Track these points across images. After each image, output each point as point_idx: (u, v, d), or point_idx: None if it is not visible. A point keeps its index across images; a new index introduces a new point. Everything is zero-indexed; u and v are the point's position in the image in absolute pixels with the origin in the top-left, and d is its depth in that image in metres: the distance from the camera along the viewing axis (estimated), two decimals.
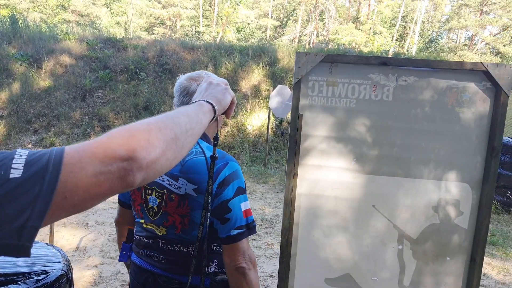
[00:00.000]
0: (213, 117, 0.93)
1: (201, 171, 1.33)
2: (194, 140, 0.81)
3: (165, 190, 1.38)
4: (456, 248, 1.75)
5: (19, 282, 1.50)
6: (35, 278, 1.55)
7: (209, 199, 1.23)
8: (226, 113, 1.07)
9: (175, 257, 1.39)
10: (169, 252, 1.40)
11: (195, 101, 0.94)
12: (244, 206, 1.33)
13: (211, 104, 0.93)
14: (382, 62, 1.69)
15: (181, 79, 1.48)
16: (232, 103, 1.07)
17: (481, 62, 1.67)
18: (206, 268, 1.38)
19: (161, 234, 1.41)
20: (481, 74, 1.69)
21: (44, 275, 1.59)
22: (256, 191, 7.13)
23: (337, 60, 1.69)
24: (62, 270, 1.67)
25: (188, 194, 1.34)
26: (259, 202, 6.43)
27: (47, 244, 1.93)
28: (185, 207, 1.35)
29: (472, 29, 29.48)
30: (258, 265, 3.97)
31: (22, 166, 0.56)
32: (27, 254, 0.57)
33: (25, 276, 1.56)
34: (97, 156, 0.60)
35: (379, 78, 1.70)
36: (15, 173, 0.55)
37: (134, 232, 1.54)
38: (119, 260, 1.55)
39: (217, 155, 1.24)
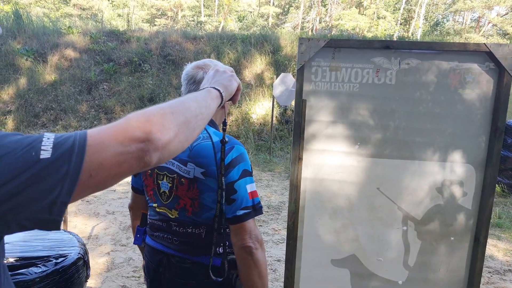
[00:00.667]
0: (221, 103, 0.98)
1: (208, 155, 1.37)
2: (204, 124, 0.86)
3: (175, 175, 1.43)
4: (460, 228, 1.78)
5: (39, 265, 1.57)
6: (54, 261, 1.62)
7: (223, 179, 1.29)
8: (233, 99, 1.12)
9: (187, 238, 1.44)
10: (181, 234, 1.45)
11: (203, 88, 0.98)
12: (250, 187, 1.37)
13: (218, 90, 0.98)
14: (385, 46, 1.70)
15: (188, 67, 1.52)
16: (238, 89, 1.11)
17: (484, 43, 1.68)
18: (218, 249, 1.43)
19: (173, 217, 1.47)
20: (484, 55, 1.70)
21: (62, 258, 1.66)
22: (262, 179, 7.19)
23: (339, 45, 1.71)
24: (79, 253, 1.74)
25: (196, 177, 1.39)
26: (265, 190, 6.48)
27: (63, 230, 2.00)
28: (195, 190, 1.40)
29: (478, 11, 29.05)
30: (265, 250, 4.03)
31: (51, 148, 0.61)
32: (57, 227, 0.63)
33: (44, 259, 1.63)
34: (117, 138, 0.65)
35: (381, 62, 1.72)
36: (45, 154, 0.60)
37: (148, 216, 1.61)
38: (134, 243, 1.62)
39: (226, 139, 1.28)
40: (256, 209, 1.37)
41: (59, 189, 0.60)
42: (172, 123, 0.73)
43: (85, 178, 0.62)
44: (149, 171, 1.51)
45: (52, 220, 0.61)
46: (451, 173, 1.76)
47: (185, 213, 1.44)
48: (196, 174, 1.39)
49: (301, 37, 1.70)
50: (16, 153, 0.59)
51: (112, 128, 0.67)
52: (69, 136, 0.64)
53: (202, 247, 1.43)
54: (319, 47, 1.69)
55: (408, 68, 1.72)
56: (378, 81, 1.73)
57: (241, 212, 1.34)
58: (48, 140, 0.62)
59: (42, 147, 0.60)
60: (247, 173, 1.38)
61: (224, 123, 1.26)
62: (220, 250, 1.45)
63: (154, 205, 1.53)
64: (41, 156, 0.59)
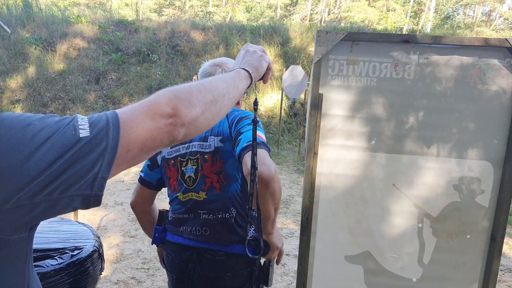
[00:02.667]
0: (250, 84, 0.99)
1: (221, 124, 1.46)
2: (231, 103, 0.89)
3: (198, 155, 1.48)
4: (476, 226, 1.76)
5: (55, 257, 1.57)
6: (70, 253, 1.62)
7: (255, 158, 1.19)
8: (263, 78, 1.11)
9: (218, 225, 1.45)
10: (211, 222, 1.45)
11: (233, 69, 1.00)
12: (258, 132, 1.30)
13: (248, 71, 0.99)
14: (404, 40, 1.67)
15: (205, 65, 1.53)
16: (268, 69, 1.10)
17: (506, 38, 1.64)
18: (250, 230, 1.45)
19: (201, 199, 1.48)
20: (505, 50, 1.66)
21: (78, 251, 1.67)
22: None
23: (358, 38, 1.68)
24: (94, 246, 1.74)
25: (217, 148, 1.45)
26: None
27: (77, 222, 2.00)
28: (218, 162, 1.44)
29: (489, 4, 28.60)
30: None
31: (88, 126, 0.64)
32: (99, 203, 0.66)
33: (60, 251, 1.63)
34: (149, 113, 0.69)
35: (400, 56, 1.68)
36: (84, 132, 0.63)
37: (170, 212, 1.59)
38: (152, 243, 1.61)
39: (258, 119, 1.24)
40: (263, 143, 1.35)
41: (99, 164, 0.63)
42: (199, 101, 0.76)
43: (124, 152, 0.65)
44: (172, 161, 1.52)
45: (94, 195, 0.64)
46: (468, 170, 1.73)
47: (213, 191, 1.46)
48: (216, 145, 1.45)
49: (319, 30, 1.67)
50: (59, 133, 0.61)
51: (143, 104, 0.71)
52: (101, 116, 0.67)
53: (235, 232, 1.44)
54: (337, 41, 1.66)
55: (427, 62, 1.69)
56: (396, 76, 1.70)
57: (246, 143, 1.34)
58: (82, 120, 0.65)
59: (80, 126, 0.63)
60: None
61: (255, 103, 1.25)
62: (252, 232, 1.47)
63: (178, 194, 1.53)
64: (81, 135, 0.62)
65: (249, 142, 1.32)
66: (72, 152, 0.60)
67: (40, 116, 0.64)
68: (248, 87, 0.99)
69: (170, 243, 1.55)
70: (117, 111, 0.69)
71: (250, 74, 0.98)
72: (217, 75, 0.92)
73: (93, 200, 0.64)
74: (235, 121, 1.45)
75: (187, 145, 1.51)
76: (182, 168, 1.51)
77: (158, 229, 1.60)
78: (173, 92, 0.74)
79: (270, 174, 1.27)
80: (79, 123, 0.64)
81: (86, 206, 0.65)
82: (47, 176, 0.59)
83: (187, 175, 1.50)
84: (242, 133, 1.39)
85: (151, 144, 0.69)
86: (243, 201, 1.46)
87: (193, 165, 1.49)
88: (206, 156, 1.47)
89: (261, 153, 1.31)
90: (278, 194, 1.33)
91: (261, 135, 1.39)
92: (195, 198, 1.48)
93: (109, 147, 0.63)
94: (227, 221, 1.44)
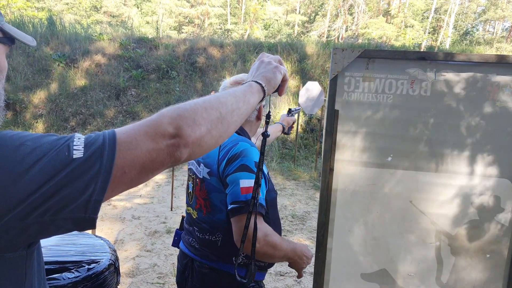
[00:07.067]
0: (263, 97, 0.94)
1: (212, 155, 1.42)
2: (241, 119, 0.84)
3: (195, 175, 1.52)
4: (496, 245, 1.72)
5: (72, 270, 1.60)
6: (87, 266, 1.64)
7: (260, 173, 1.18)
8: (279, 90, 1.06)
9: (205, 245, 1.48)
10: (201, 240, 1.50)
11: (246, 82, 0.95)
12: (244, 183, 1.31)
13: (260, 84, 0.94)
14: (421, 57, 1.67)
15: (226, 82, 1.55)
16: (284, 80, 1.05)
17: None
18: (234, 258, 1.43)
19: (195, 217, 1.53)
20: None
21: (94, 264, 1.69)
22: (286, 187, 7.15)
23: (374, 56, 1.69)
24: (110, 260, 1.76)
25: (204, 177, 1.45)
26: (289, 199, 6.44)
27: (94, 235, 2.04)
28: (204, 190, 1.45)
29: (510, 20, 28.26)
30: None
31: (82, 147, 0.62)
32: (93, 226, 0.64)
33: (76, 264, 1.66)
34: (149, 134, 0.66)
35: (417, 73, 1.69)
36: (78, 154, 0.61)
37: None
38: (172, 245, 1.69)
39: (268, 132, 1.20)
40: (248, 204, 1.27)
41: (93, 186, 0.60)
42: (204, 119, 0.73)
43: (119, 174, 0.63)
44: (189, 174, 1.59)
45: (87, 218, 0.62)
46: (487, 188, 1.71)
47: (201, 214, 1.49)
48: (204, 175, 1.45)
49: (335, 47, 1.69)
50: (52, 154, 0.59)
51: (145, 124, 0.68)
52: (98, 135, 0.65)
53: (218, 254, 1.45)
54: (353, 58, 1.68)
55: (444, 79, 1.69)
56: (412, 92, 1.70)
57: (230, 206, 1.31)
58: (79, 140, 0.63)
59: (74, 147, 0.61)
60: (245, 168, 1.33)
61: (268, 116, 1.22)
62: (236, 260, 1.44)
63: (186, 206, 1.62)
64: (74, 156, 0.60)
65: (233, 205, 1.28)
66: (64, 174, 0.58)
67: (35, 135, 0.62)
68: (261, 100, 0.94)
69: (179, 248, 1.65)
70: (116, 130, 0.66)
71: (263, 87, 0.94)
72: (228, 90, 0.88)
73: (87, 223, 0.62)
74: (225, 159, 1.37)
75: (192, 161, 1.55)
76: (189, 182, 1.58)
77: (178, 233, 1.67)
78: (177, 110, 0.71)
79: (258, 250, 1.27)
80: (75, 143, 0.62)
81: (80, 228, 0.63)
82: (38, 198, 0.57)
83: (189, 190, 1.56)
84: (228, 185, 1.33)
85: (151, 166, 0.66)
86: (230, 231, 1.40)
87: (192, 183, 1.53)
88: (197, 180, 1.49)
89: (236, 224, 1.28)
90: (273, 254, 1.31)
91: (246, 183, 1.30)
92: (191, 213, 1.55)
93: (103, 169, 0.61)
94: (214, 243, 1.45)
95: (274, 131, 2.31)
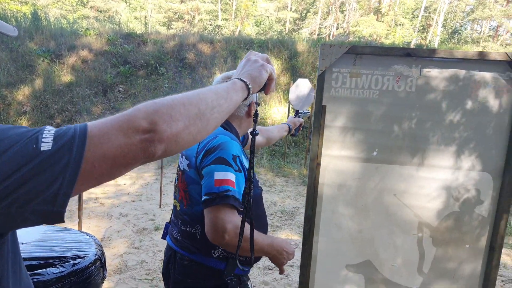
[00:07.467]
0: (247, 95, 0.93)
1: (193, 147, 1.43)
2: (222, 116, 0.83)
3: (178, 167, 1.56)
4: (475, 236, 1.77)
5: (57, 266, 1.60)
6: (72, 262, 1.64)
7: (252, 171, 1.19)
8: (265, 89, 1.05)
9: (186, 237, 1.50)
10: (182, 232, 1.51)
11: (231, 79, 0.95)
12: (219, 175, 1.31)
13: (245, 82, 0.93)
14: (406, 53, 1.71)
15: (218, 78, 1.56)
16: (270, 79, 1.03)
17: (505, 52, 1.67)
18: (213, 251, 1.45)
19: (178, 208, 1.56)
20: (505, 64, 1.69)
21: (80, 259, 1.69)
22: (276, 184, 7.19)
23: (361, 52, 1.72)
24: (96, 255, 1.76)
25: (184, 169, 1.48)
26: (279, 195, 6.48)
27: (80, 231, 2.03)
28: (184, 182, 1.48)
29: (497, 20, 28.65)
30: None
31: (51, 140, 0.61)
32: (61, 220, 0.63)
33: (61, 259, 1.66)
34: (122, 128, 0.65)
35: (402, 69, 1.72)
36: (46, 146, 0.60)
37: None
38: (162, 238, 1.71)
39: (257, 131, 1.22)
40: (221, 197, 1.27)
41: (60, 179, 0.59)
42: (182, 115, 0.72)
43: (88, 168, 0.62)
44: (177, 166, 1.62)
45: (56, 212, 0.61)
46: (468, 180, 1.76)
47: (183, 205, 1.51)
48: (184, 167, 1.48)
49: (323, 43, 1.71)
50: (19, 146, 0.59)
51: (118, 118, 0.67)
52: (69, 128, 0.64)
53: (198, 246, 1.47)
54: (341, 54, 1.70)
55: (429, 75, 1.72)
56: (398, 88, 1.73)
57: (204, 198, 1.31)
58: (49, 132, 0.62)
59: (43, 140, 0.60)
60: (221, 161, 1.33)
61: (255, 115, 1.22)
62: (215, 253, 1.46)
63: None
64: (42, 149, 0.59)
65: (206, 196, 1.29)
66: (30, 166, 0.58)
67: (4, 127, 0.61)
68: (245, 98, 0.93)
69: (166, 240, 1.67)
70: (89, 124, 0.65)
71: (247, 85, 0.93)
72: (209, 86, 0.87)
73: (55, 216, 0.61)
74: (203, 151, 1.38)
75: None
76: (176, 175, 1.60)
77: (167, 225, 1.69)
78: (153, 105, 0.70)
79: (220, 242, 1.28)
80: (44, 135, 0.61)
81: (48, 221, 0.63)
82: (4, 189, 0.56)
83: (176, 183, 1.59)
84: (203, 176, 1.34)
85: (123, 161, 0.65)
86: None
87: (177, 175, 1.57)
88: (179, 172, 1.52)
89: (217, 212, 1.26)
90: (245, 248, 1.28)
91: (222, 176, 1.30)
92: (176, 205, 1.58)
93: (71, 163, 0.60)
94: (194, 235, 1.46)
95: (279, 130, 2.36)
